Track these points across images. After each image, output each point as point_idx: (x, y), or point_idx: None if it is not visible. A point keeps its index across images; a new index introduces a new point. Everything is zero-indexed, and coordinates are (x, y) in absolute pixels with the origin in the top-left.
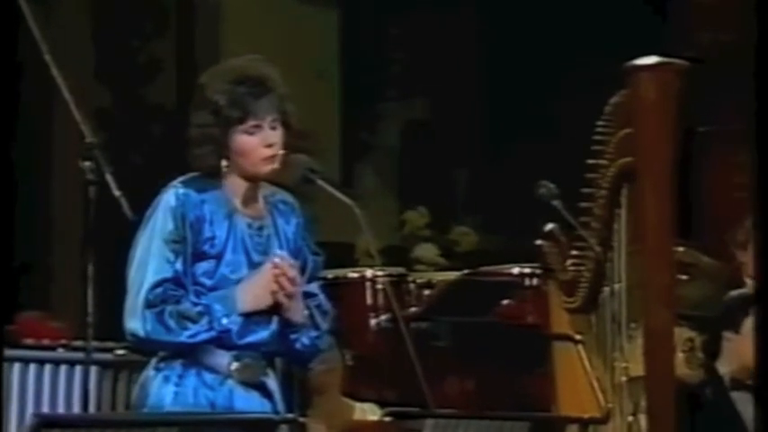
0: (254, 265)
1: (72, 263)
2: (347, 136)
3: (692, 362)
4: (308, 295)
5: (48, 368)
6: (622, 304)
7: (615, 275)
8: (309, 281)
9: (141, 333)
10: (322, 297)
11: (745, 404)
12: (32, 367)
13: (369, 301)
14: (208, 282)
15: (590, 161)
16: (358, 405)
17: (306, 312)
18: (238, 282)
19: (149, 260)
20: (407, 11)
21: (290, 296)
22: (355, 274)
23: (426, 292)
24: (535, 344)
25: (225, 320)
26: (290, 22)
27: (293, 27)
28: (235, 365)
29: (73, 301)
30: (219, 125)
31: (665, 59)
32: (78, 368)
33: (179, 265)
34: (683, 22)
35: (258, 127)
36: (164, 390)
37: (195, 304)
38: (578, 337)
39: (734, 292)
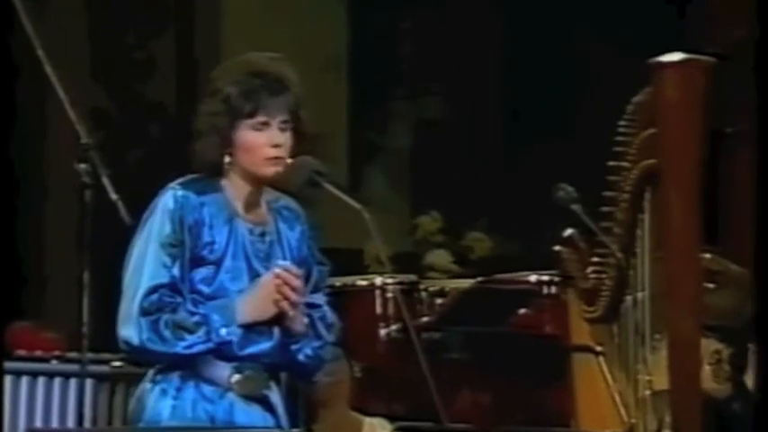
0: (254, 273)
1: (66, 269)
2: (355, 136)
3: (719, 375)
4: (311, 306)
5: (41, 381)
6: (646, 314)
7: (638, 283)
8: (314, 291)
9: (135, 341)
10: (326, 309)
11: None
12: (25, 380)
13: (378, 310)
14: (206, 289)
15: (611, 163)
16: (366, 419)
17: (306, 320)
18: (238, 290)
19: (145, 264)
20: (418, 4)
21: (293, 305)
22: (364, 282)
23: (439, 300)
24: (553, 355)
25: (223, 331)
26: (293, 18)
27: (297, 23)
28: (236, 378)
29: (67, 310)
30: (227, 115)
31: (691, 56)
32: (73, 381)
33: (176, 271)
34: (706, 18)
35: (267, 124)
36: (161, 403)
37: (192, 314)
38: (599, 348)
39: None
